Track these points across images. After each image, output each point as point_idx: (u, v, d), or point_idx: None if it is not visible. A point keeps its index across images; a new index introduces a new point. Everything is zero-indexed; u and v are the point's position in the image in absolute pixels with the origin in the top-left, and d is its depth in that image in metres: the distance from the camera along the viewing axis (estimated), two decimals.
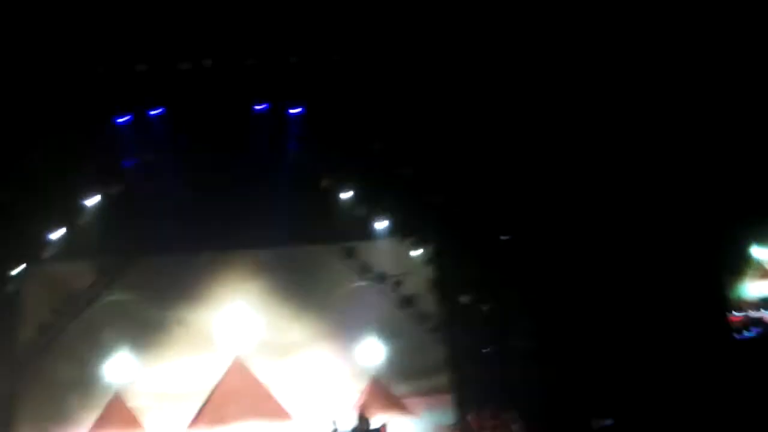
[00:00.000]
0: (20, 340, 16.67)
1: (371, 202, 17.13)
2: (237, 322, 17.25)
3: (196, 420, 16.52)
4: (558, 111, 15.08)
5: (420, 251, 17.41)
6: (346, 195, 17.17)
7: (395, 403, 16.78)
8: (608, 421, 13.87)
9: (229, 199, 16.59)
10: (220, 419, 16.38)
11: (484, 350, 16.72)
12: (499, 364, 16.00)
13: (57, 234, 16.51)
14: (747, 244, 16.56)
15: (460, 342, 16.84)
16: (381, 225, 17.37)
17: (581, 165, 15.39)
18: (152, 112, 16.27)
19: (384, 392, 16.97)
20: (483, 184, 15.98)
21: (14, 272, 16.45)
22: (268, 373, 17.07)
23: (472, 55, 15.10)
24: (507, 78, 15.03)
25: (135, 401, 16.60)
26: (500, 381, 15.53)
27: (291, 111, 16.27)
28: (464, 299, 16.90)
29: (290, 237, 16.89)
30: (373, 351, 17.11)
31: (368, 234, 17.45)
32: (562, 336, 15.14)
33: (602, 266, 15.07)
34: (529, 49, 14.71)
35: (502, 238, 16.82)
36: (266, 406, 16.68)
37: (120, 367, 16.62)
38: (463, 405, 16.35)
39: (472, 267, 16.71)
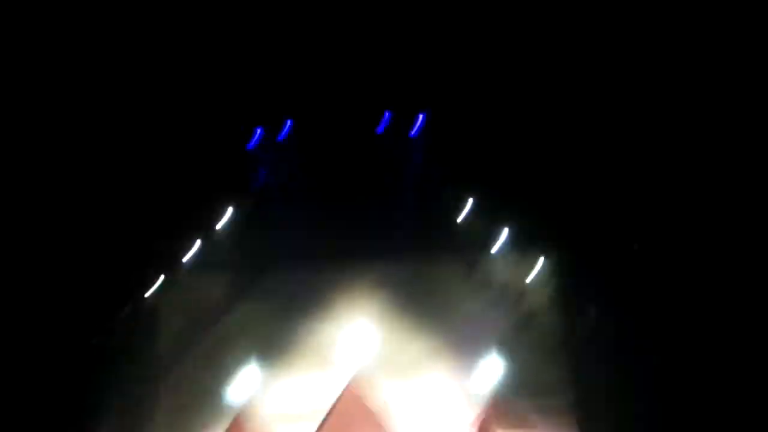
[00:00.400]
0: (159, 349, 17.69)
1: (494, 215, 16.90)
2: (358, 338, 17.26)
3: None
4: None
5: (544, 265, 16.86)
6: (469, 207, 17.02)
7: (518, 422, 16.15)
8: None
9: (353, 212, 16.94)
10: None
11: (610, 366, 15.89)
12: (627, 383, 15.13)
13: (193, 248, 17.55)
14: None
15: (585, 359, 16.11)
16: (504, 238, 17.05)
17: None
18: (280, 133, 17.12)
19: (506, 411, 16.37)
20: (610, 192, 15.41)
21: (156, 284, 17.54)
22: (385, 393, 16.87)
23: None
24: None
25: (256, 421, 16.61)
26: (627, 399, 14.63)
27: (415, 121, 16.52)
28: (591, 315, 16.16)
29: (413, 250, 16.97)
30: (494, 368, 16.64)
31: (490, 248, 17.20)
32: (690, 353, 14.16)
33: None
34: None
35: (634, 247, 16.08)
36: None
37: (248, 381, 16.91)
38: (587, 425, 15.52)
39: (599, 281, 16.02)
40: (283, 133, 16.87)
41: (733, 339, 13.51)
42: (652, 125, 14.33)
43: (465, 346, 16.82)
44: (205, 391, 16.88)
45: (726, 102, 14.52)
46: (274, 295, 17.75)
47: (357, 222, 16.82)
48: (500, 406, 16.38)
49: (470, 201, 16.90)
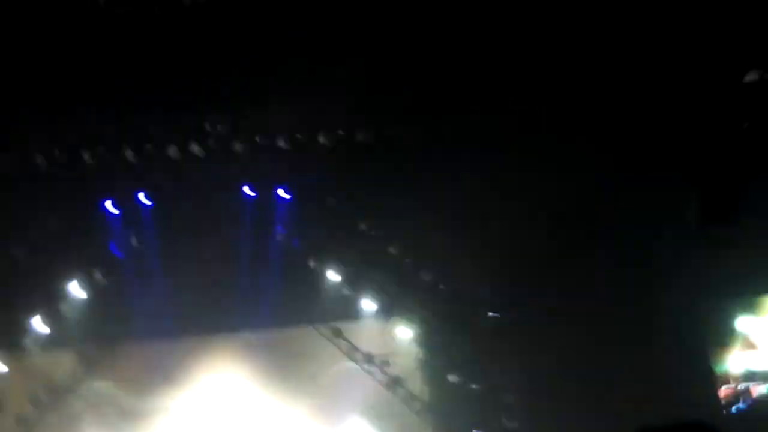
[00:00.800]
0: None
1: (358, 282, 17.12)
2: (221, 409, 16.85)
3: None
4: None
5: (408, 331, 17.26)
6: (333, 275, 17.14)
7: None
8: None
9: (214, 282, 16.47)
10: None
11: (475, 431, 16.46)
12: None
13: (38, 322, 16.33)
14: (732, 317, 16.68)
15: (450, 423, 16.59)
16: (368, 305, 17.30)
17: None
18: (140, 199, 16.45)
19: None
20: (471, 262, 16.06)
21: None
22: None
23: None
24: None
25: None
26: None
27: (278, 194, 16.49)
28: (453, 379, 16.68)
29: (277, 318, 16.81)
30: (361, 430, 16.78)
31: (355, 314, 17.38)
32: (553, 417, 14.97)
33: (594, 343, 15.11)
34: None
35: (491, 315, 16.82)
36: None
37: None
38: None
39: (461, 346, 16.61)
40: (143, 201, 16.20)
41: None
42: None
43: (333, 412, 16.89)
44: None
45: None
46: (127, 371, 16.99)
47: (220, 292, 16.36)
48: None
49: (337, 269, 16.98)
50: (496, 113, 14.71)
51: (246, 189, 16.42)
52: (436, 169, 15.41)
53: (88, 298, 16.65)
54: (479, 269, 16.03)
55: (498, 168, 14.88)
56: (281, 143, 15.58)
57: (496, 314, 16.48)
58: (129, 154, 15.30)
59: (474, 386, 16.67)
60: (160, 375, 16.74)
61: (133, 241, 16.82)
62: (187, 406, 16.83)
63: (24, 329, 16.26)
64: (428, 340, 17.08)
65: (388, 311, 17.22)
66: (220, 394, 17.03)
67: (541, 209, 14.92)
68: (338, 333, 17.50)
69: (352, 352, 17.47)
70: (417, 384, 17.25)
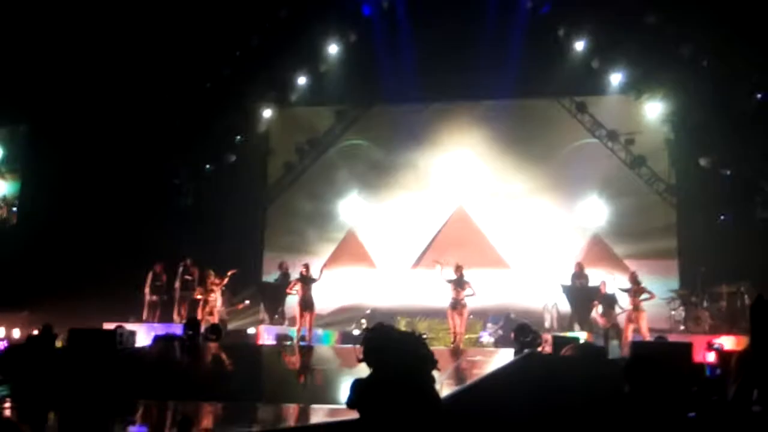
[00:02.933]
0: (269, 176, 18.74)
1: (607, 54, 16.13)
2: (461, 170, 17.60)
3: (419, 262, 17.48)
4: None
5: (657, 108, 16.18)
6: (580, 45, 16.31)
7: (615, 263, 16.37)
8: None
9: (461, 48, 16.52)
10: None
11: (721, 217, 15.58)
12: (736, 235, 14.84)
13: (302, 79, 17.84)
14: None
15: (695, 207, 15.84)
16: (616, 79, 16.38)
17: None
18: None
19: (605, 250, 16.64)
20: (736, 33, 14.27)
21: (265, 114, 18.10)
22: (489, 221, 17.44)
23: None
24: None
25: (366, 238, 17.93)
26: (734, 252, 14.38)
27: None
28: (704, 162, 15.57)
29: (519, 88, 16.63)
30: (597, 208, 16.70)
31: (602, 88, 16.64)
32: None
33: None
34: None
35: (758, 97, 15.10)
36: (486, 254, 17.15)
37: (354, 206, 17.99)
38: (689, 272, 15.50)
39: (716, 129, 15.26)
40: None
41: None
42: None
43: (569, 184, 16.96)
44: (313, 215, 18.10)
45: None
46: (380, 129, 18.24)
47: (466, 58, 16.41)
48: (601, 245, 16.67)
49: (585, 38, 16.09)
50: None
51: None
52: None
53: (344, 59, 17.65)
54: (747, 47, 14.28)
55: None
56: None
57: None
58: None
59: (726, 172, 15.49)
60: (408, 134, 17.72)
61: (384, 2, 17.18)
62: (430, 164, 17.74)
63: (290, 86, 17.86)
64: (680, 120, 15.91)
65: (638, 86, 16.21)
66: (459, 156, 17.64)
67: None
68: (582, 107, 17.06)
69: (595, 127, 17.03)
70: (663, 164, 16.54)
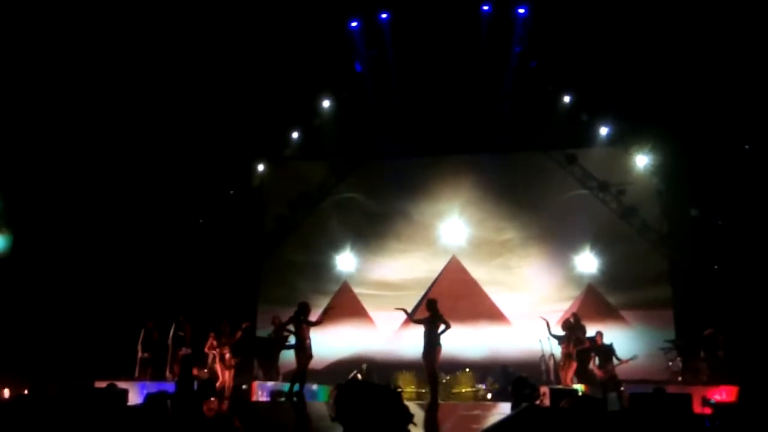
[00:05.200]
0: (263, 229, 18.73)
1: (595, 107, 16.45)
2: (454, 220, 17.68)
3: (414, 314, 17.31)
4: None
5: (647, 160, 16.42)
6: (568, 99, 16.62)
7: (611, 313, 16.35)
8: None
9: (452, 103, 16.82)
10: None
11: (714, 267, 15.61)
12: (728, 283, 14.86)
13: (294, 134, 18.05)
14: None
15: (685, 256, 15.89)
16: (604, 131, 16.69)
17: None
18: (381, 16, 16.94)
19: (600, 300, 16.62)
20: (722, 86, 14.58)
21: (258, 168, 18.23)
22: (483, 271, 17.45)
23: None
24: None
25: (361, 290, 17.86)
26: (726, 300, 14.39)
27: (517, 12, 16.02)
28: (695, 212, 15.73)
29: (509, 141, 16.89)
30: (590, 258, 16.74)
31: (591, 140, 16.91)
32: None
33: None
34: None
35: (746, 148, 15.35)
36: (481, 306, 17.10)
37: (348, 258, 17.98)
38: (684, 322, 15.47)
39: (705, 178, 15.44)
40: (385, 18, 16.67)
41: None
42: None
43: (561, 234, 17.03)
44: (306, 267, 18.05)
45: None
46: (372, 182, 18.36)
47: (458, 112, 16.72)
48: (595, 296, 16.66)
49: (574, 93, 16.43)
50: None
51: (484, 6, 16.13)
52: None
53: (336, 114, 17.91)
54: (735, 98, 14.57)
55: None
56: None
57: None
58: None
59: (718, 221, 15.62)
60: (400, 186, 17.85)
61: (374, 59, 17.49)
62: (422, 214, 17.83)
63: (283, 140, 18.05)
64: (669, 171, 16.12)
65: (626, 138, 16.49)
66: (454, 206, 17.73)
67: None
68: (572, 159, 17.27)
69: (586, 178, 17.20)
70: (654, 214, 16.66)
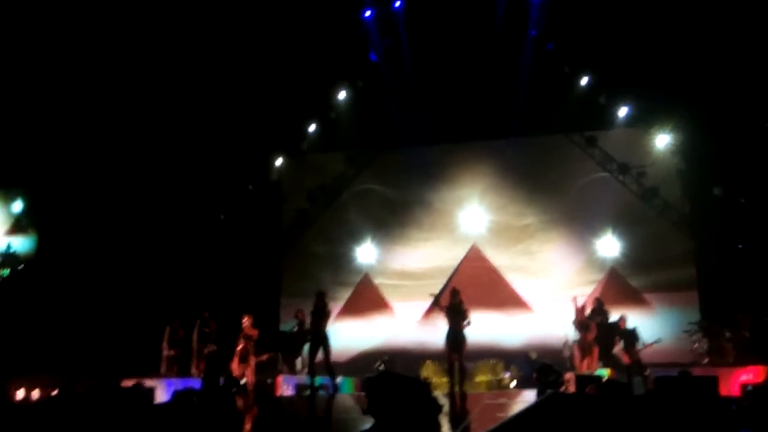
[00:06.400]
0: (283, 223, 18.78)
1: (613, 89, 16.26)
2: (474, 206, 17.58)
3: (436, 304, 17.29)
4: None
5: (667, 141, 16.22)
6: (588, 82, 16.45)
7: (634, 296, 16.23)
8: None
9: (468, 88, 16.71)
10: None
11: (739, 246, 15.42)
12: (756, 263, 14.67)
13: (311, 127, 18.07)
14: None
15: (709, 236, 15.71)
16: (624, 113, 16.48)
17: None
18: (395, 4, 16.88)
19: (622, 284, 16.49)
20: (743, 63, 14.35)
21: (276, 162, 18.29)
22: (504, 258, 17.37)
23: None
24: None
25: (382, 281, 17.87)
26: (755, 280, 14.21)
27: None
28: (718, 191, 15.52)
29: (528, 125, 16.76)
30: (612, 241, 16.60)
31: (610, 122, 16.72)
32: None
33: None
34: None
35: (767, 126, 15.10)
36: (503, 294, 17.03)
37: (369, 249, 17.98)
38: (709, 303, 15.32)
39: (728, 158, 15.22)
40: (398, 7, 16.60)
41: None
42: None
43: (582, 217, 16.89)
44: (327, 259, 18.09)
45: None
46: (391, 172, 18.32)
47: (475, 97, 16.59)
48: (617, 279, 16.53)
49: (593, 74, 16.25)
50: None
51: None
52: None
53: (353, 105, 17.89)
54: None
55: None
56: None
57: None
58: None
59: (741, 200, 15.41)
60: (419, 174, 17.78)
61: (389, 48, 17.43)
62: (442, 201, 17.78)
63: (300, 133, 18.09)
64: (690, 150, 15.92)
65: (646, 119, 16.28)
66: (474, 192, 17.64)
67: None
68: (592, 142, 17.09)
69: (606, 161, 17.03)
70: (676, 195, 16.47)
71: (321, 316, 12.51)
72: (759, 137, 15.25)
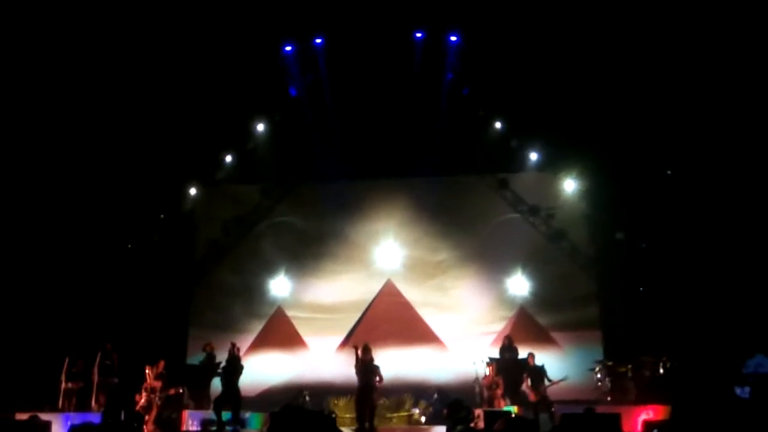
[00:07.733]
0: (196, 253, 18.33)
1: (524, 133, 16.90)
2: (389, 242, 17.68)
3: (349, 339, 17.24)
4: None
5: (574, 185, 16.93)
6: (501, 126, 17.03)
7: (542, 334, 16.67)
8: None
9: (386, 126, 16.99)
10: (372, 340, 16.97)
11: (640, 289, 16.13)
12: (654, 305, 15.38)
13: (227, 157, 17.84)
14: None
15: (612, 278, 16.39)
16: (534, 157, 17.15)
17: None
18: (316, 41, 17.01)
19: (531, 322, 16.92)
20: (646, 115, 15.22)
21: (191, 191, 17.91)
22: (418, 294, 17.51)
23: None
24: None
25: (295, 314, 17.64)
26: (651, 320, 14.90)
27: (450, 39, 16.36)
28: (621, 236, 16.29)
29: (443, 165, 17.17)
30: (521, 280, 17.04)
31: (521, 165, 17.35)
32: (724, 282, 14.26)
33: None
34: None
35: (668, 173, 16.02)
36: (416, 330, 17.15)
37: (282, 282, 17.73)
38: (612, 342, 15.93)
39: (630, 203, 16.02)
40: (318, 43, 16.77)
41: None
42: None
43: (493, 256, 17.26)
44: (240, 292, 17.75)
45: None
46: (307, 206, 18.25)
47: (391, 136, 16.90)
48: (526, 317, 16.94)
49: (505, 119, 16.86)
50: None
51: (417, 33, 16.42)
52: None
53: (270, 138, 17.82)
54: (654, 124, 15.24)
55: None
56: None
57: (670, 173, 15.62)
58: None
59: (642, 245, 16.20)
60: (335, 208, 17.83)
61: (309, 84, 17.52)
62: (359, 234, 17.83)
63: (215, 163, 17.82)
64: (595, 195, 16.67)
65: (554, 164, 16.98)
66: (389, 227, 17.76)
67: None
68: (504, 183, 17.62)
69: (516, 202, 17.56)
70: (582, 237, 17.13)
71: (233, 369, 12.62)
72: (660, 185, 16.12)
